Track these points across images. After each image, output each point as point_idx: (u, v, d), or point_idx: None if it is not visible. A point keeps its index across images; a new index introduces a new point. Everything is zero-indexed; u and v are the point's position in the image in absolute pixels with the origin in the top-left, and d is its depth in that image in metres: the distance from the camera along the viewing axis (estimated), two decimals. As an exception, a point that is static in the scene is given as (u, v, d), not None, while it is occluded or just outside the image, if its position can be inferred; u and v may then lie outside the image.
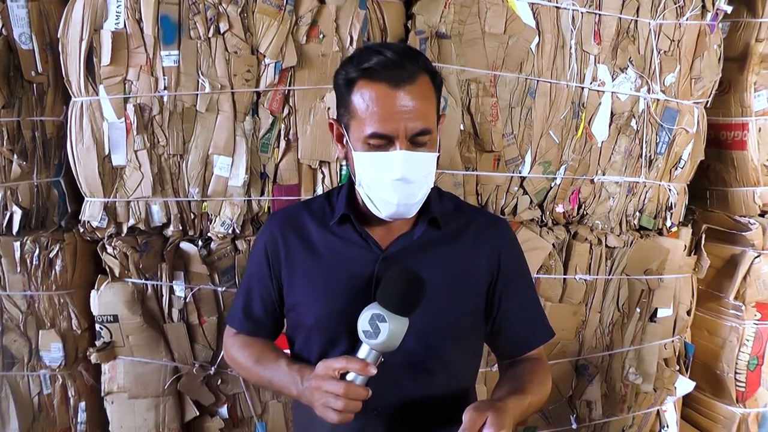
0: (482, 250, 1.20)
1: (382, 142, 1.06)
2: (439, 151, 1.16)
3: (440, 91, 1.15)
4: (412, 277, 1.02)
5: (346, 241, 1.18)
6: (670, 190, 2.11)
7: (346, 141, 1.13)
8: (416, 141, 1.07)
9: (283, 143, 1.81)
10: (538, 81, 1.90)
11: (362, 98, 1.06)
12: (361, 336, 1.00)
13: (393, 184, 1.08)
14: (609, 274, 2.07)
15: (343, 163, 1.84)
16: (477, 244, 1.20)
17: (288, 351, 1.28)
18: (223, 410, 1.94)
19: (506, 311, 1.22)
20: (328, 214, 1.22)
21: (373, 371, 0.99)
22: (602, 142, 2.00)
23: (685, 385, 2.24)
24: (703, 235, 2.23)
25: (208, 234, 1.87)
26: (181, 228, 1.86)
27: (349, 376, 1.01)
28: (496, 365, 1.90)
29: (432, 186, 1.15)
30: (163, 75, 1.75)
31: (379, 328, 0.98)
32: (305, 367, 1.12)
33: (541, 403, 1.18)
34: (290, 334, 1.27)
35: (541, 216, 2.02)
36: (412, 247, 1.17)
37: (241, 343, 1.28)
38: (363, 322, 1.00)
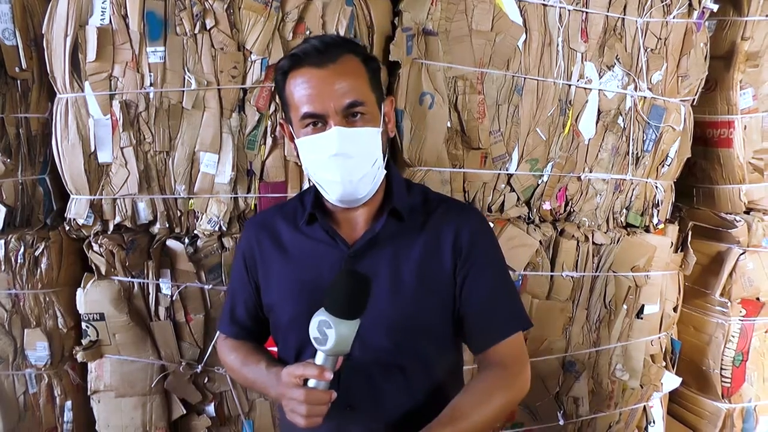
0: (445, 237, 1.18)
1: (317, 122, 1.09)
2: (390, 134, 1.18)
3: (376, 72, 1.17)
4: (354, 280, 1.01)
5: (315, 241, 1.20)
6: (656, 187, 2.12)
7: (293, 136, 1.15)
8: (350, 116, 1.09)
9: (269, 140, 1.80)
10: (525, 78, 1.90)
11: (294, 86, 1.10)
12: (314, 342, 1.01)
13: (331, 160, 1.09)
14: (596, 271, 2.07)
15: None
16: (440, 232, 1.18)
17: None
18: (210, 408, 1.94)
19: (469, 298, 1.16)
20: (299, 214, 1.24)
21: (329, 376, 1.00)
22: (589, 139, 2.00)
23: (671, 381, 2.26)
24: (690, 232, 2.24)
25: (195, 231, 1.86)
26: (167, 225, 1.86)
27: (311, 383, 1.02)
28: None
29: (382, 164, 1.15)
30: (149, 71, 1.74)
31: (327, 335, 0.98)
32: (280, 369, 1.12)
33: (492, 422, 1.13)
34: (273, 336, 1.30)
35: (528, 213, 2.02)
36: (376, 241, 1.16)
37: (230, 346, 1.32)
38: (312, 329, 1.00)
